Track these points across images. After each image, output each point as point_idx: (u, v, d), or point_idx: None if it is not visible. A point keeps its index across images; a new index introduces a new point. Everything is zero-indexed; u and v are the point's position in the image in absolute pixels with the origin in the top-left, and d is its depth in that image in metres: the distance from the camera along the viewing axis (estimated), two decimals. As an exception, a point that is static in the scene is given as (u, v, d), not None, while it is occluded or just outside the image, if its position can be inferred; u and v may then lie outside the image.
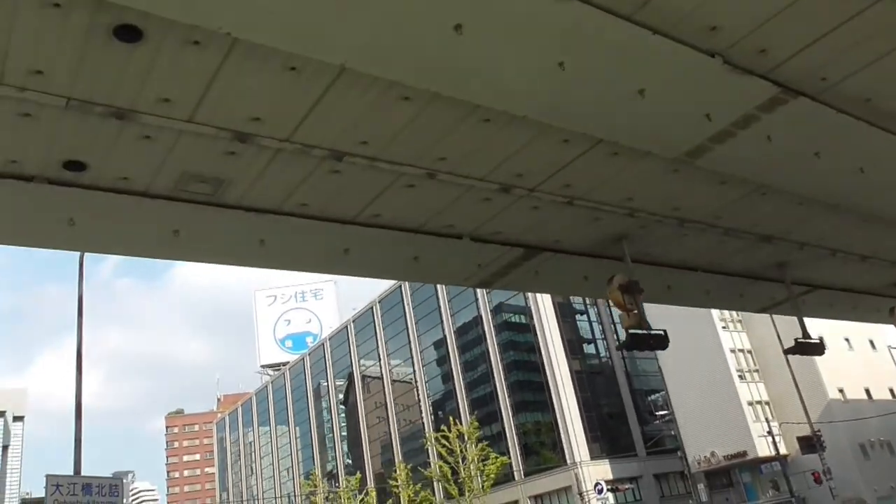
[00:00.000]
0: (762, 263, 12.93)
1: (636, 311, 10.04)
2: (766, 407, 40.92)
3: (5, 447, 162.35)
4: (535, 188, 8.26)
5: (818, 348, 13.13)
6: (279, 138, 6.34)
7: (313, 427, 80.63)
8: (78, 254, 14.24)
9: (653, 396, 49.26)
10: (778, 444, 34.64)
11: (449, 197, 8.12)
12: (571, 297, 54.37)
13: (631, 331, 9.84)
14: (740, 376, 41.41)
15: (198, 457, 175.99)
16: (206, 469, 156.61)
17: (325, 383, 79.78)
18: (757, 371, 42.36)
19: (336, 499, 67.44)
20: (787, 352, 13.23)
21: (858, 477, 28.55)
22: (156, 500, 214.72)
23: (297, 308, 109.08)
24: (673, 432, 44.97)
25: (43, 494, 11.07)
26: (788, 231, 11.50)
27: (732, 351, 42.06)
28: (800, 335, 13.41)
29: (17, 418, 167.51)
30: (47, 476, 10.85)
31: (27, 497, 75.47)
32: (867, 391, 41.58)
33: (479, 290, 55.88)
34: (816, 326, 36.62)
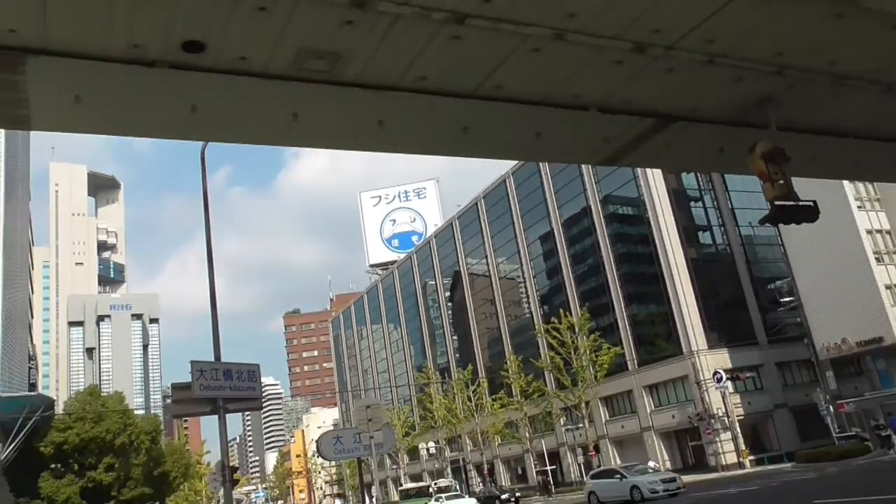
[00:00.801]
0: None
1: (782, 181, 9.24)
2: (906, 290, 38.45)
3: (145, 346, 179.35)
4: (673, 45, 7.49)
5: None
6: (398, 1, 5.95)
7: (423, 323, 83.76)
8: (198, 151, 14.68)
9: (777, 283, 47.22)
10: (919, 330, 32.66)
11: (577, 61, 7.51)
12: (685, 183, 52.12)
13: (777, 202, 9.08)
14: (877, 258, 38.79)
15: (315, 353, 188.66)
16: (325, 364, 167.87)
17: (433, 281, 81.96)
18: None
19: (449, 390, 70.65)
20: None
21: None
22: (280, 393, 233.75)
23: (402, 207, 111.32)
24: (799, 319, 43.28)
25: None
26: None
27: (869, 232, 39.23)
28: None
29: (153, 320, 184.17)
30: (192, 362, 11.62)
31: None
32: None
33: (587, 180, 54.60)
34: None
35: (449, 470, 71.19)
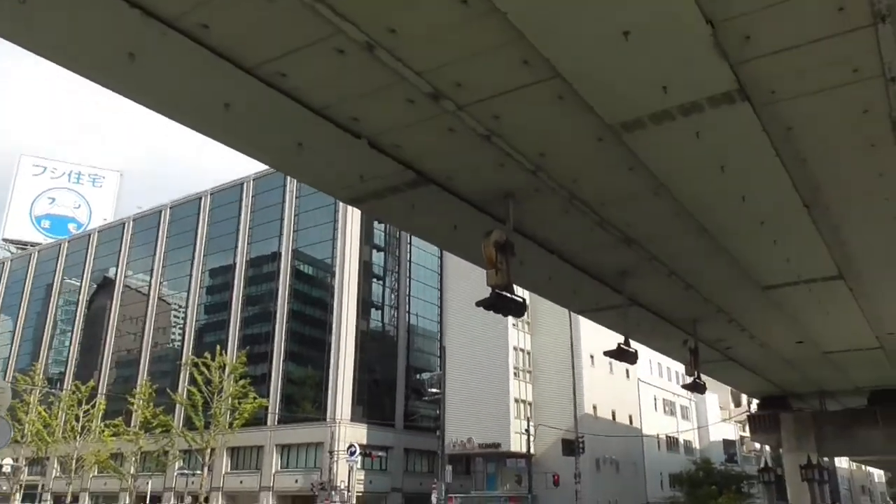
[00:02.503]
0: (610, 267, 13.43)
1: (505, 272, 9.82)
2: (529, 406, 44.14)
3: None
4: (465, 106, 7.63)
5: (632, 357, 13.99)
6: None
7: (48, 322, 72.82)
8: None
9: (430, 374, 50.85)
10: (531, 443, 37.43)
11: (373, 82, 7.20)
12: (374, 259, 54.34)
13: (497, 290, 9.58)
14: (515, 373, 44.17)
15: None
16: None
17: (75, 280, 72.33)
18: (529, 372, 45.49)
19: (56, 402, 61.40)
20: (606, 354, 13.95)
21: (591, 486, 31.77)
22: None
23: (68, 188, 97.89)
24: (438, 411, 46.82)
25: None
26: (651, 239, 11.98)
27: (515, 348, 44.70)
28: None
29: None
30: None
31: None
32: (613, 413, 46.46)
33: (286, 225, 53.93)
34: (587, 346, 39.59)
35: (19, 496, 60.77)
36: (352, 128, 8.07)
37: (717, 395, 70.23)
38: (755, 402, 45.50)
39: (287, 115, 7.63)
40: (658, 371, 59.22)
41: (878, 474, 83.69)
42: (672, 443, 57.50)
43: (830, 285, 13.90)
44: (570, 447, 29.98)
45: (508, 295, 9.70)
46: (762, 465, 36.72)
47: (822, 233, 11.28)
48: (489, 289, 9.34)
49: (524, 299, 10.03)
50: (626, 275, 13.59)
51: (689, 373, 18.04)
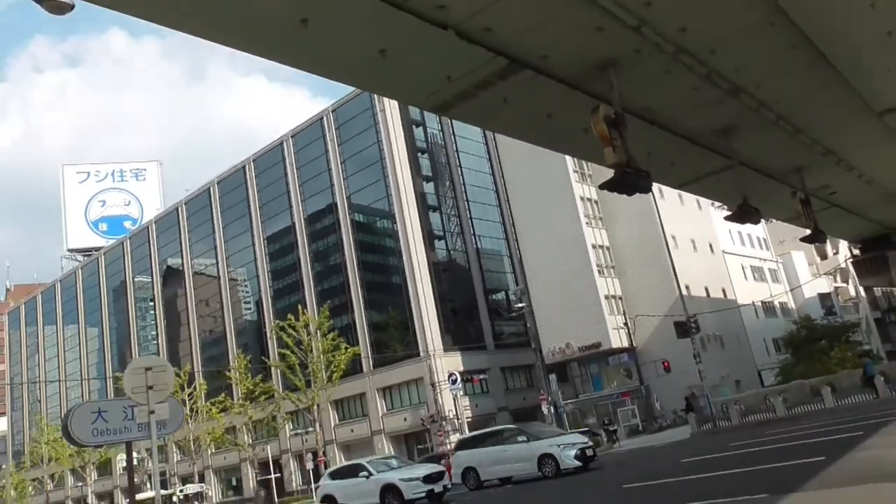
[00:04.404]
0: (713, 126, 12.72)
1: (622, 147, 9.14)
2: (620, 301, 43.69)
3: None
4: (563, -44, 6.78)
5: (755, 217, 13.25)
6: None
7: (131, 319, 75.51)
8: None
9: (513, 289, 50.85)
10: (632, 336, 37.12)
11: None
12: (427, 189, 53.74)
13: (619, 168, 8.92)
14: (599, 271, 43.61)
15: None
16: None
17: (146, 278, 74.31)
18: (613, 267, 44.84)
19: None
20: (727, 218, 13.29)
21: (703, 365, 31.41)
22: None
23: (115, 188, 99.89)
24: (528, 325, 46.89)
25: None
26: (760, 83, 11.16)
27: (594, 246, 43.99)
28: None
29: None
30: None
31: None
32: (706, 290, 45.66)
33: (335, 175, 53.71)
34: (670, 229, 38.66)
35: (150, 484, 64.53)
36: (438, 18, 7.40)
37: (803, 252, 68.57)
38: (855, 248, 43.89)
39: (368, 17, 6.98)
40: (740, 240, 57.81)
41: None
42: (768, 308, 56.54)
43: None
44: (683, 329, 29.46)
45: (633, 170, 9.07)
46: (886, 306, 35.92)
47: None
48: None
49: (647, 173, 9.38)
50: (729, 132, 12.96)
51: (804, 225, 17.56)
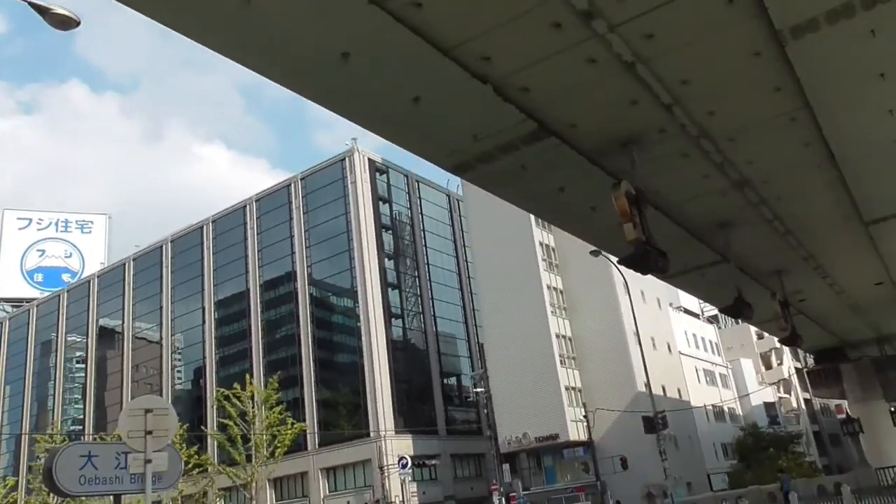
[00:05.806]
0: (711, 219, 12.96)
1: (640, 224, 9.09)
2: (580, 393, 43.30)
3: None
4: (618, 25, 6.84)
5: (749, 311, 13.31)
6: None
7: (58, 379, 71.69)
8: None
9: (465, 375, 50.23)
10: (590, 430, 36.62)
11: (517, 4, 6.38)
12: (388, 265, 53.42)
13: (639, 244, 8.82)
14: (561, 361, 43.35)
15: None
16: None
17: (82, 330, 71.18)
18: (574, 358, 44.66)
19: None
20: (722, 311, 13.23)
21: (655, 463, 31.01)
22: None
23: (57, 238, 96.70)
24: (477, 413, 45.99)
25: None
26: (768, 177, 11.58)
27: (557, 336, 43.89)
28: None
29: None
30: None
31: None
32: (663, 388, 45.66)
33: (296, 243, 53.11)
34: (632, 324, 38.72)
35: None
36: (480, 70, 7.36)
37: (751, 361, 70.04)
38: (809, 358, 44.73)
39: (412, 58, 6.83)
40: (695, 343, 58.66)
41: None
42: (718, 413, 56.98)
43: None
44: (651, 424, 29.24)
45: (653, 248, 8.99)
46: (844, 416, 36.73)
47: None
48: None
49: (666, 253, 9.30)
50: (726, 227, 13.22)
51: (781, 327, 17.89)
